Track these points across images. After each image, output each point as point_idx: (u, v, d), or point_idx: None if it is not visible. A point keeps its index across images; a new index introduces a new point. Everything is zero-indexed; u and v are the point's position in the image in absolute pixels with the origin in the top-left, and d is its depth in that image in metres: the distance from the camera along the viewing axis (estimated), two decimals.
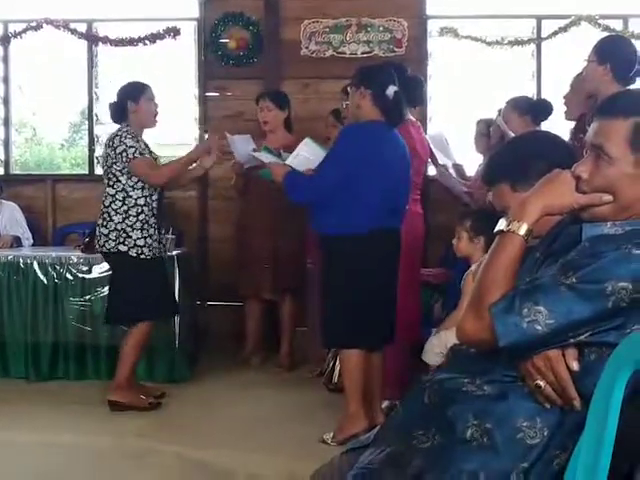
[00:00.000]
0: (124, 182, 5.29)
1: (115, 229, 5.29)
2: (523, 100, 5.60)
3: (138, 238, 5.30)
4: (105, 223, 5.32)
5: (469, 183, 5.89)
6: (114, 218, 5.29)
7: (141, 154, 5.27)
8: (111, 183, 5.32)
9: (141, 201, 5.33)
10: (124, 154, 5.23)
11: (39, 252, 6.35)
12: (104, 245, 5.33)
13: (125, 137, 5.27)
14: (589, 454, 1.87)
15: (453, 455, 2.02)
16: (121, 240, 5.29)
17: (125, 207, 5.30)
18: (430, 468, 2.01)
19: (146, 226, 5.34)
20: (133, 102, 5.38)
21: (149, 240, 5.36)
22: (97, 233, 5.40)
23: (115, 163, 5.27)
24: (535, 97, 6.34)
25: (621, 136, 2.01)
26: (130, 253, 5.30)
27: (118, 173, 5.29)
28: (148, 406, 5.38)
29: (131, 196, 5.31)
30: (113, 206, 5.31)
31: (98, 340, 6.06)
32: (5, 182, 7.23)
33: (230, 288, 6.72)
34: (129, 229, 5.29)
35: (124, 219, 5.29)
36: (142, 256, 5.34)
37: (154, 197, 5.41)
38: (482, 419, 2.03)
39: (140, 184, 5.31)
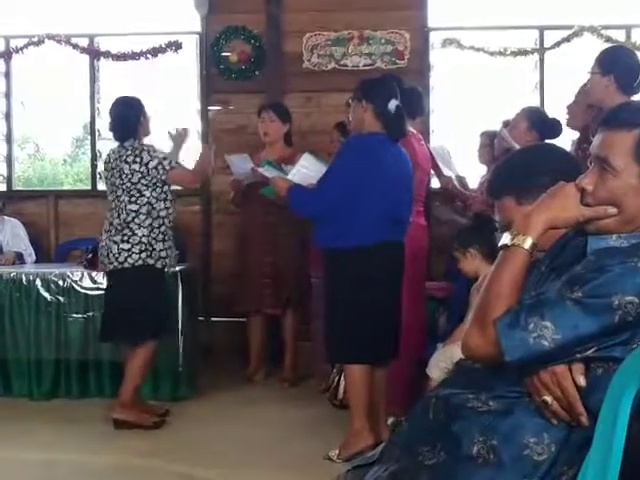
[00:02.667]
0: (149, 195, 5.31)
1: (140, 242, 5.29)
2: (537, 112, 5.56)
3: (162, 249, 5.36)
4: (127, 238, 5.29)
5: (471, 194, 5.90)
6: (137, 232, 5.29)
7: (177, 163, 5.36)
8: (134, 199, 5.31)
9: (163, 213, 5.37)
10: (160, 167, 5.27)
11: (42, 269, 6.36)
12: (125, 261, 5.29)
13: (153, 151, 5.33)
14: (597, 470, 1.86)
15: (459, 472, 2.01)
16: (148, 254, 5.30)
17: (150, 220, 5.32)
18: None
19: (166, 237, 5.40)
20: (143, 116, 5.44)
21: (169, 252, 5.41)
22: (113, 251, 5.32)
23: (144, 177, 5.28)
24: (535, 108, 6.31)
25: (626, 148, 2.00)
26: (156, 265, 5.33)
27: (143, 188, 5.29)
28: (152, 425, 5.37)
29: (155, 208, 5.34)
30: (136, 220, 5.30)
31: (101, 357, 6.05)
32: (7, 198, 7.25)
33: (233, 303, 6.72)
34: (154, 242, 5.33)
35: (150, 232, 5.31)
36: (165, 268, 5.40)
37: (173, 209, 5.46)
38: (488, 435, 2.02)
39: (163, 195, 5.36)
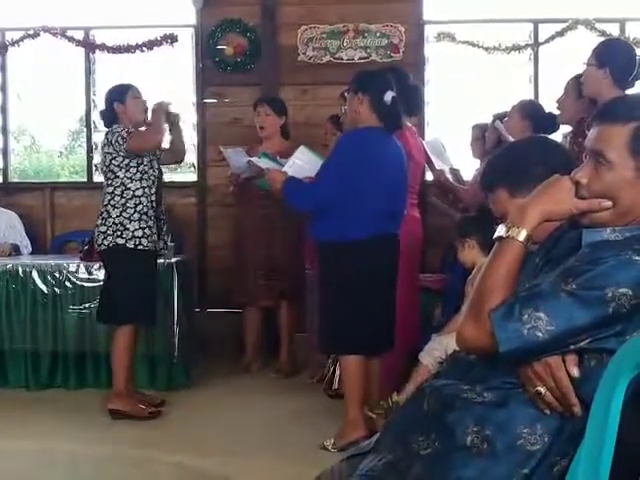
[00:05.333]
0: (122, 176, 5.32)
1: (113, 223, 5.30)
2: (532, 105, 5.56)
3: (136, 229, 5.31)
4: (103, 221, 5.33)
5: (465, 188, 5.89)
6: (112, 213, 5.31)
7: (134, 129, 5.34)
8: (109, 181, 5.35)
9: (139, 192, 5.35)
10: (119, 138, 5.25)
11: (38, 260, 6.36)
12: (102, 243, 5.32)
13: (116, 129, 5.31)
14: (590, 460, 1.87)
15: (453, 461, 2.01)
16: (118, 233, 5.29)
17: (123, 200, 5.32)
18: (430, 475, 2.01)
19: (145, 217, 5.35)
20: (120, 103, 5.41)
21: (147, 231, 5.36)
22: (95, 235, 5.40)
23: (114, 158, 5.30)
24: (528, 100, 6.30)
25: (621, 141, 2.01)
26: (127, 245, 5.29)
27: (116, 168, 5.31)
28: (148, 415, 5.37)
29: (129, 188, 5.33)
30: (112, 202, 5.33)
31: (97, 348, 6.04)
32: (3, 190, 7.24)
33: (229, 295, 6.74)
34: (126, 221, 5.30)
35: (122, 212, 5.31)
36: (140, 247, 5.33)
37: (152, 190, 5.43)
38: (482, 426, 2.03)
39: (138, 175, 5.35)
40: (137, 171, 5.34)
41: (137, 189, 5.34)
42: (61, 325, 6.09)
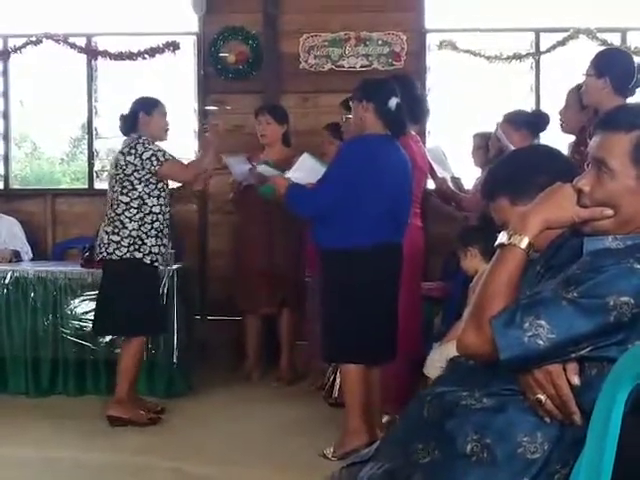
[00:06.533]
0: (140, 190, 5.32)
1: (129, 236, 5.30)
2: (517, 114, 5.60)
3: (153, 245, 5.35)
4: (117, 231, 5.33)
5: (467, 196, 5.90)
6: (128, 225, 5.31)
7: (171, 156, 5.36)
8: (125, 191, 5.33)
9: (156, 209, 5.36)
10: (153, 158, 5.28)
11: (38, 267, 6.36)
12: (113, 252, 5.32)
13: (148, 143, 5.34)
14: (590, 469, 1.87)
15: (453, 470, 2.01)
16: (136, 247, 5.31)
17: (141, 214, 5.32)
18: None
19: (160, 235, 5.40)
20: (146, 114, 5.44)
21: (162, 249, 5.42)
22: (104, 241, 5.37)
23: (137, 171, 5.29)
24: (531, 110, 6.33)
25: (623, 150, 2.01)
26: (145, 260, 5.33)
27: (136, 181, 5.31)
28: (148, 421, 5.38)
29: (147, 204, 5.34)
30: (127, 214, 5.32)
31: (97, 355, 6.06)
32: (4, 197, 7.25)
33: (229, 302, 6.74)
34: (144, 236, 5.32)
35: (140, 226, 5.32)
36: (155, 264, 5.39)
37: (168, 208, 5.47)
38: (482, 434, 2.02)
39: (157, 192, 5.36)
40: (156, 188, 5.36)
41: (154, 206, 5.36)
42: (61, 332, 6.09)
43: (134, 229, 5.30)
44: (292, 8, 7.31)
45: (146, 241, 5.32)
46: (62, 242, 7.51)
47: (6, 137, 7.78)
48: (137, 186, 5.31)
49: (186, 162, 5.61)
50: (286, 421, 5.43)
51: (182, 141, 7.34)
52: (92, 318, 5.89)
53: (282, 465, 4.50)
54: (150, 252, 5.34)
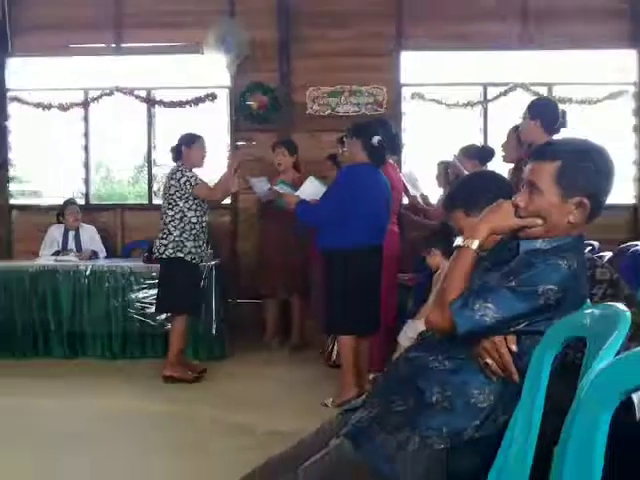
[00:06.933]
0: (181, 205, 5.31)
1: (173, 240, 5.31)
2: (470, 147, 5.63)
3: (192, 247, 5.34)
4: (165, 236, 5.34)
5: (432, 209, 5.90)
6: (173, 232, 5.31)
7: (201, 181, 5.34)
8: (171, 206, 5.33)
9: (194, 219, 5.35)
10: (187, 183, 5.28)
11: (111, 262, 6.38)
12: (164, 252, 5.33)
13: (185, 171, 5.34)
14: (525, 413, 1.87)
15: (423, 415, 2.02)
16: (178, 249, 5.31)
17: (182, 224, 5.32)
18: (405, 425, 2.01)
19: (197, 239, 5.38)
20: (187, 147, 5.43)
21: (199, 249, 5.40)
22: (156, 244, 5.40)
23: (178, 191, 5.29)
24: (480, 145, 6.32)
25: (549, 175, 2.00)
26: (185, 258, 5.32)
27: (177, 199, 5.30)
28: (193, 379, 5.37)
29: (187, 215, 5.33)
30: (172, 223, 5.32)
31: (155, 329, 6.05)
32: (86, 210, 7.23)
33: (253, 289, 6.73)
34: (185, 240, 5.32)
35: (181, 233, 5.31)
36: (194, 261, 5.38)
37: (204, 218, 5.44)
38: (444, 388, 2.03)
39: (194, 207, 5.34)
40: (193, 204, 5.35)
41: (192, 217, 5.35)
42: (128, 310, 6.10)
43: (177, 235, 5.31)
44: (300, 68, 7.29)
45: (186, 244, 5.32)
46: (128, 244, 7.49)
47: (86, 165, 7.77)
48: (179, 202, 5.31)
49: (213, 184, 5.54)
50: (296, 378, 5.42)
51: (218, 167, 7.35)
52: (150, 301, 5.94)
53: (293, 411, 4.49)
54: (190, 252, 5.34)
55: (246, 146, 7.40)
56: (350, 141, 4.70)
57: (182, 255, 5.32)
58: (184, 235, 5.32)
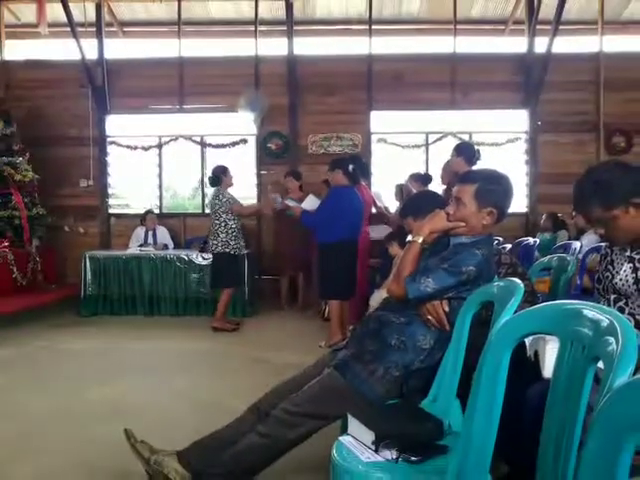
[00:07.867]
0: (224, 217, 5.27)
1: (221, 240, 5.27)
2: (417, 174, 5.61)
3: (234, 244, 5.30)
4: (214, 237, 5.30)
5: (391, 216, 5.88)
6: (220, 235, 5.27)
7: (235, 201, 5.31)
8: (216, 217, 5.29)
9: (233, 225, 5.31)
10: (227, 202, 5.25)
11: (176, 252, 6.32)
12: (215, 248, 5.29)
13: (225, 194, 5.29)
14: (454, 351, 1.87)
15: (385, 353, 2.01)
16: (225, 246, 5.27)
17: (226, 230, 5.27)
18: (374, 360, 2.01)
19: (236, 239, 5.33)
20: (223, 175, 5.37)
21: (237, 245, 5.35)
22: (210, 243, 5.35)
23: (220, 207, 5.25)
24: (424, 173, 6.31)
25: (470, 193, 2.01)
26: (230, 252, 5.29)
27: (222, 213, 5.26)
28: (232, 329, 5.33)
29: (228, 224, 5.29)
30: (219, 230, 5.28)
31: (207, 296, 6.02)
32: (160, 217, 7.22)
33: (272, 268, 6.72)
34: (229, 240, 5.27)
35: (226, 235, 5.27)
36: (235, 253, 5.34)
37: (239, 224, 5.41)
38: (400, 335, 2.02)
39: (232, 217, 5.29)
40: (232, 215, 5.30)
41: (232, 224, 5.30)
42: (188, 285, 6.06)
43: (223, 237, 5.27)
44: (304, 122, 7.27)
45: (230, 242, 5.28)
46: (189, 239, 7.44)
47: (160, 187, 7.75)
48: (222, 215, 5.27)
49: (244, 204, 5.51)
50: (301, 329, 5.40)
51: (248, 190, 7.33)
52: (203, 279, 5.91)
53: (298, 351, 4.47)
54: (233, 248, 5.30)
55: (267, 174, 7.39)
56: (333, 170, 4.66)
57: (228, 250, 5.29)
58: (228, 237, 5.29)
